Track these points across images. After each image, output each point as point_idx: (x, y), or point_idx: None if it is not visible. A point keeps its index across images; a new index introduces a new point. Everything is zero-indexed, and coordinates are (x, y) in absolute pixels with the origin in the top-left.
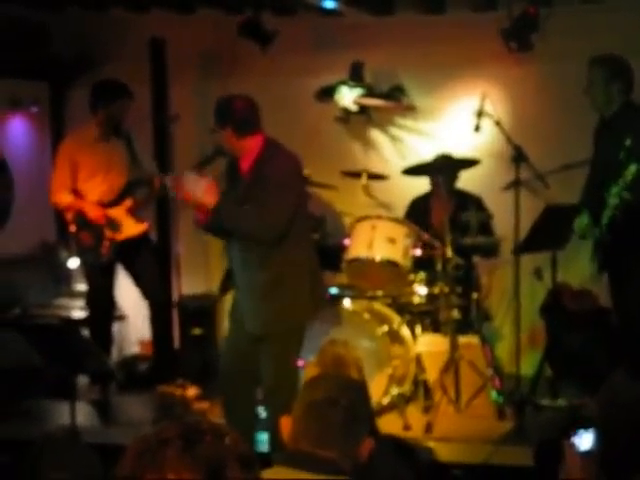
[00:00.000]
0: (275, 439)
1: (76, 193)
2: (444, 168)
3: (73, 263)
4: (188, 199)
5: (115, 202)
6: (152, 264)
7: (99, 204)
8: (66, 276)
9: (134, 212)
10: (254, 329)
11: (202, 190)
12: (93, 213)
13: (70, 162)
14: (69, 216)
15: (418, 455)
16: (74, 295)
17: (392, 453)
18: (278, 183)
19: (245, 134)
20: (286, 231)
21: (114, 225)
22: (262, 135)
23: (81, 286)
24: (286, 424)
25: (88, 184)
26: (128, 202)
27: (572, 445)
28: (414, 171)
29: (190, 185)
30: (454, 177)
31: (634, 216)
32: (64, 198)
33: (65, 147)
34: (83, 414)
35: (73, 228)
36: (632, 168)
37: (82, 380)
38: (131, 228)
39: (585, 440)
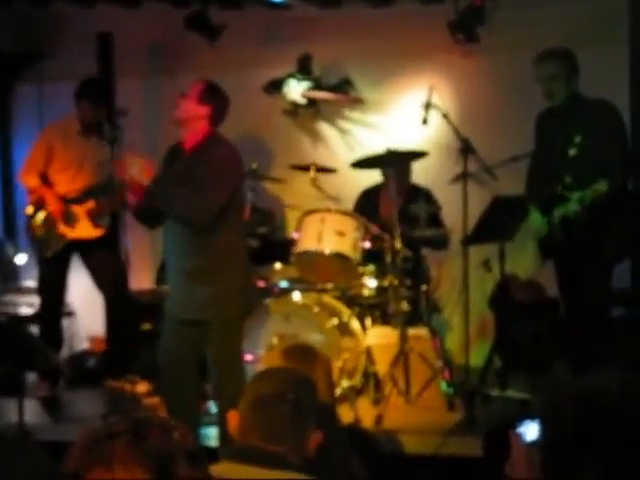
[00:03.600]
0: (224, 434)
1: (46, 180)
2: (392, 161)
3: (20, 259)
4: (125, 179)
5: (78, 200)
6: (108, 257)
7: (62, 198)
8: (13, 272)
9: (94, 216)
10: (189, 313)
11: (138, 169)
12: (52, 206)
13: (47, 147)
14: (31, 198)
15: (376, 447)
16: (21, 292)
17: (345, 446)
18: (218, 168)
19: (217, 123)
20: (219, 216)
21: (70, 218)
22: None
23: (29, 282)
24: (233, 418)
25: (59, 176)
26: (90, 204)
27: (518, 435)
28: (363, 164)
29: (129, 164)
30: (406, 170)
31: (592, 219)
32: (31, 180)
33: (47, 132)
34: (31, 411)
35: (30, 210)
36: (601, 186)
37: (30, 377)
38: (86, 230)
39: (531, 430)
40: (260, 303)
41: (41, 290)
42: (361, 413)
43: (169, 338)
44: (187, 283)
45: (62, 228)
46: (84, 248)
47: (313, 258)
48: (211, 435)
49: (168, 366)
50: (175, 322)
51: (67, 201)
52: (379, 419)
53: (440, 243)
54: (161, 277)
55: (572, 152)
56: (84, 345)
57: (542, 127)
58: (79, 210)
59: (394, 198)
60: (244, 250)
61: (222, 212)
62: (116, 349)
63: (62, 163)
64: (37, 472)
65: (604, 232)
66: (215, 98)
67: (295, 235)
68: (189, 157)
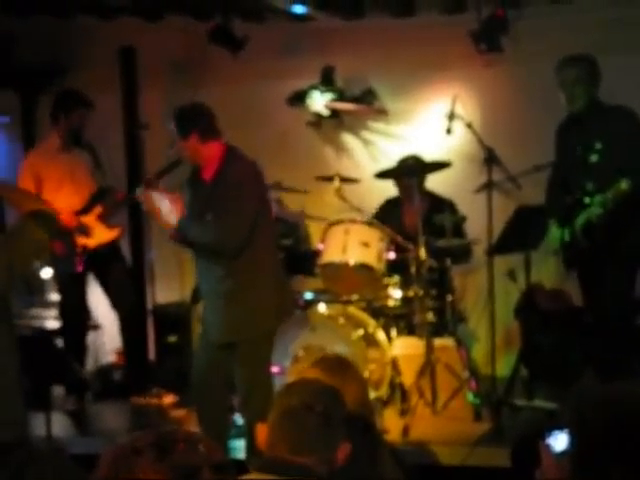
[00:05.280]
0: (252, 446)
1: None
2: (416, 171)
3: (46, 273)
4: (155, 215)
5: (84, 210)
6: (122, 275)
7: (70, 211)
8: (39, 286)
9: (104, 219)
10: (221, 338)
11: (166, 208)
12: (64, 218)
13: (33, 175)
14: None
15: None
16: (47, 305)
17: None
18: (238, 191)
19: (211, 138)
20: (248, 240)
21: (85, 230)
22: (222, 141)
23: (54, 296)
24: (262, 431)
25: (56, 195)
26: (97, 209)
27: (547, 446)
28: (387, 175)
29: (158, 202)
30: (423, 178)
31: (614, 222)
32: None
33: (28, 161)
34: (59, 424)
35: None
36: (623, 184)
37: (57, 390)
38: (103, 234)
39: (560, 441)
40: (302, 315)
41: (65, 306)
42: (388, 424)
43: (202, 356)
44: (218, 305)
45: (80, 240)
46: (99, 264)
47: (338, 269)
48: (238, 447)
49: (199, 382)
50: (208, 341)
51: (76, 214)
52: (406, 430)
53: (463, 254)
54: (197, 296)
55: (593, 159)
56: (110, 358)
57: (562, 136)
58: (89, 219)
59: (418, 208)
60: (275, 267)
61: (250, 232)
62: (135, 365)
63: (53, 183)
64: None
65: (626, 234)
66: (192, 121)
67: (320, 246)
68: (211, 185)
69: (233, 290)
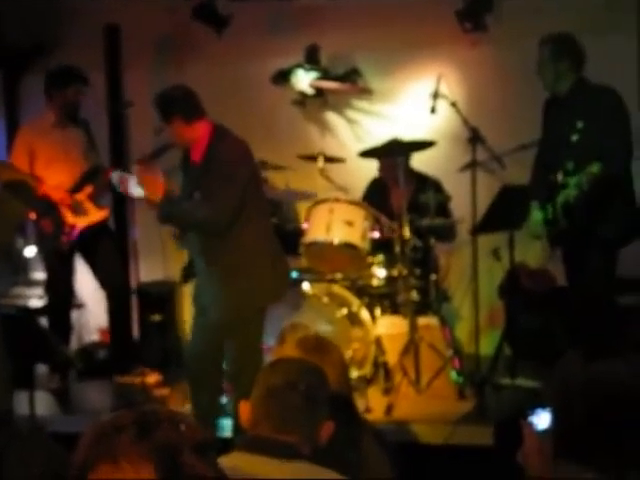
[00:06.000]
0: (239, 424)
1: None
2: (401, 150)
3: (30, 252)
4: (127, 194)
5: (75, 189)
6: (111, 252)
7: (63, 188)
8: (23, 265)
9: (94, 199)
10: (216, 317)
11: (149, 187)
12: (57, 195)
13: (27, 149)
14: None
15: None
16: (31, 284)
17: (368, 440)
18: (226, 169)
19: (195, 118)
20: (236, 217)
21: (79, 208)
22: (208, 120)
23: (38, 275)
24: (245, 409)
25: (48, 171)
26: (88, 189)
27: (529, 424)
28: (371, 154)
29: (134, 182)
30: (408, 158)
31: (593, 203)
32: None
33: (22, 134)
34: (42, 403)
35: (33, 215)
36: (595, 168)
37: (41, 369)
38: (92, 214)
39: (543, 419)
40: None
41: (51, 284)
42: (371, 403)
43: (197, 337)
44: (212, 285)
45: (71, 218)
46: (87, 242)
47: (322, 248)
48: (225, 426)
49: (193, 362)
50: (203, 321)
51: (66, 192)
52: (389, 409)
53: (448, 234)
54: (187, 274)
55: (574, 138)
56: (93, 337)
57: (546, 114)
58: (81, 197)
59: (403, 187)
60: (269, 244)
61: (238, 210)
62: (120, 343)
63: (46, 159)
64: (52, 466)
65: (604, 217)
66: (173, 104)
67: (304, 225)
68: (200, 166)
69: (228, 269)
